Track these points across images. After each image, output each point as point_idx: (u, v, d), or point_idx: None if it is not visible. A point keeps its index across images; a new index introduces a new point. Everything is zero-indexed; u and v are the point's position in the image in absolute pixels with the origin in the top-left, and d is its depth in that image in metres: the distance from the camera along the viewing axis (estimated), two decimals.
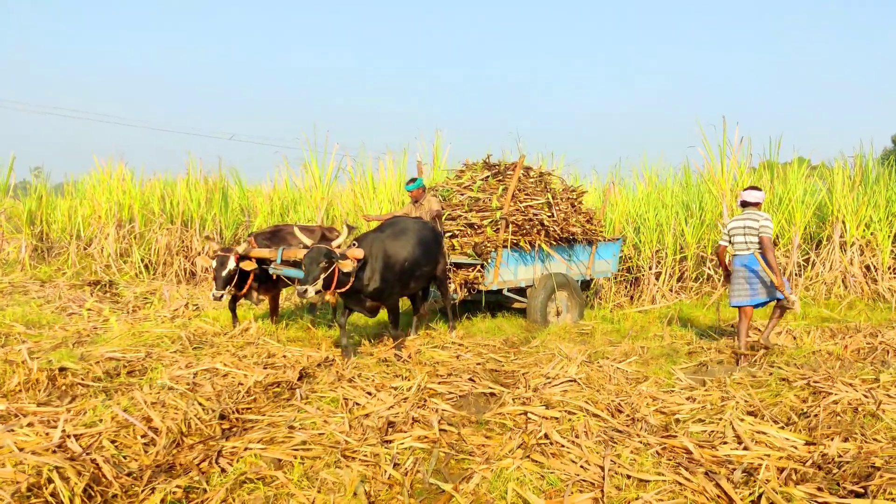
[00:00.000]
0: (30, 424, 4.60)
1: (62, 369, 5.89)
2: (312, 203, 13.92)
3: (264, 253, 7.82)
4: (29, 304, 9.91)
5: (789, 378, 6.32)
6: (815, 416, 5.33)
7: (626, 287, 13.17)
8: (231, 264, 7.78)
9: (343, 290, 6.84)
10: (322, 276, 6.48)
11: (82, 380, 5.80)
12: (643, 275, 12.88)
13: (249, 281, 8.06)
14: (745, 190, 7.81)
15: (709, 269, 12.62)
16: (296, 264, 7.35)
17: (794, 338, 8.55)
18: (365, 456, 4.54)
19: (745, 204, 7.73)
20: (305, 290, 6.36)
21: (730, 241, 7.81)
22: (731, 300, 7.83)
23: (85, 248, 14.80)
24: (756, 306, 7.84)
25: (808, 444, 4.90)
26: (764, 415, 5.46)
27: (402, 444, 4.78)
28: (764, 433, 5.03)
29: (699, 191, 13.81)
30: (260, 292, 8.50)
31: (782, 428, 5.21)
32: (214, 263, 7.84)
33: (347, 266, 6.61)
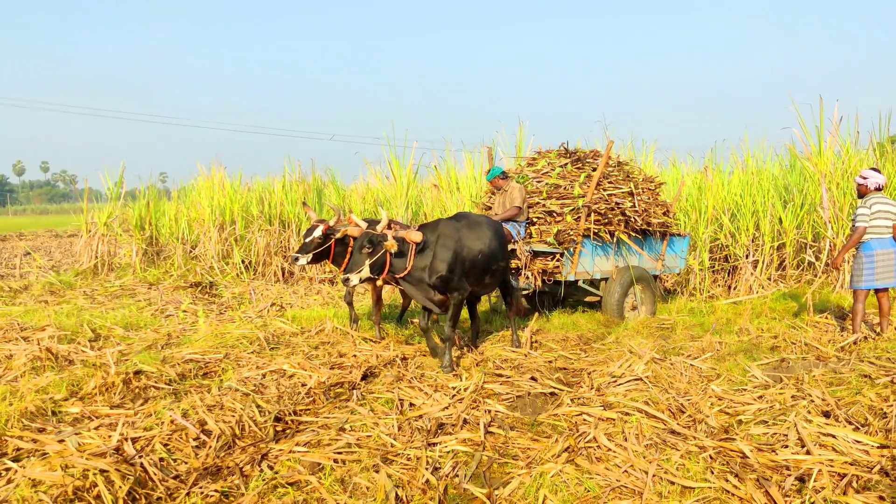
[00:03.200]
0: (97, 428, 4.90)
1: (138, 372, 6.22)
2: (398, 201, 14.11)
3: (354, 231, 7.91)
4: (132, 307, 10.53)
5: (871, 375, 5.92)
6: (894, 416, 4.99)
7: (722, 276, 12.68)
8: (317, 233, 7.93)
9: (400, 275, 6.78)
10: (367, 262, 6.47)
11: (155, 382, 6.11)
12: (740, 263, 12.34)
13: (338, 256, 8.05)
14: (878, 172, 7.77)
15: (809, 255, 11.96)
16: None
17: None
18: (407, 459, 4.59)
19: (880, 188, 7.74)
20: (348, 279, 6.39)
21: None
22: (864, 282, 7.71)
23: (190, 251, 15.59)
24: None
25: (881, 447, 4.59)
26: (838, 415, 5.15)
27: (446, 447, 4.79)
28: (832, 436, 4.74)
29: (801, 175, 13.09)
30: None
31: (856, 429, 4.89)
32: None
33: (392, 247, 6.54)
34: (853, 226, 7.73)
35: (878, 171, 7.77)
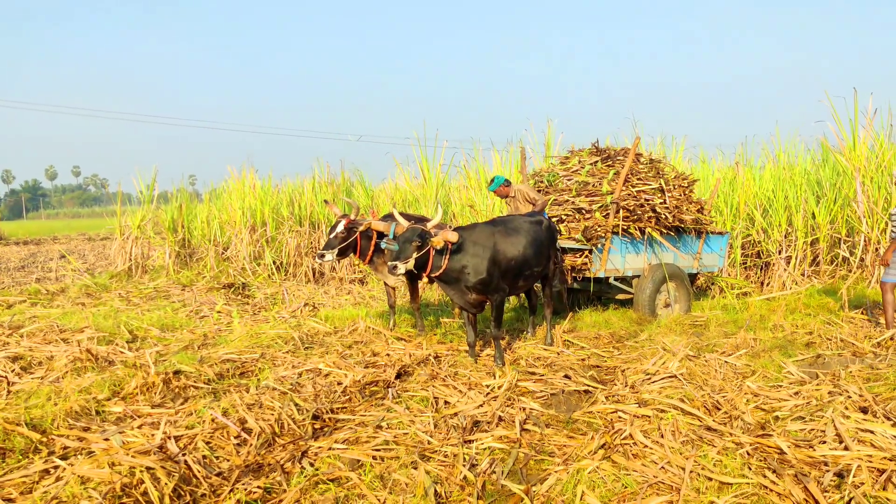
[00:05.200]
0: (140, 426, 5.00)
1: (177, 372, 6.34)
2: (427, 201, 14.17)
3: (380, 226, 7.91)
4: (166, 309, 10.69)
5: None
6: None
7: (755, 272, 12.58)
8: (340, 227, 8.00)
9: (436, 274, 6.82)
10: (414, 254, 6.51)
11: (195, 382, 6.21)
12: (772, 259, 12.23)
13: (365, 252, 8.19)
14: None
15: (843, 251, 11.82)
16: None
17: None
18: (444, 456, 4.63)
19: None
20: (395, 266, 6.40)
21: None
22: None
23: (222, 253, 15.77)
24: None
25: None
26: (876, 411, 5.11)
27: (483, 444, 4.82)
28: (871, 431, 4.71)
29: (834, 169, 12.94)
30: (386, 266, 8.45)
31: (894, 425, 4.85)
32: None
33: (438, 243, 6.60)
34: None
35: None
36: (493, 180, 9.16)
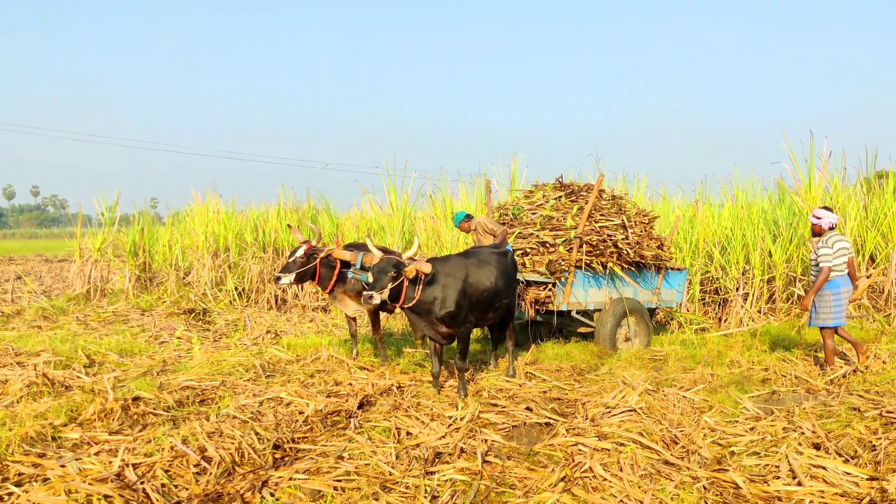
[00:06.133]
0: (97, 453, 4.93)
1: (135, 398, 6.25)
2: (393, 230, 14.22)
3: (345, 255, 7.88)
4: (125, 333, 10.54)
5: (861, 407, 6.03)
6: (883, 449, 5.08)
7: (714, 308, 12.81)
8: (299, 252, 7.96)
9: (409, 305, 6.82)
10: (389, 285, 6.52)
11: (153, 409, 6.14)
12: (730, 296, 12.47)
13: (325, 279, 8.15)
14: (831, 211, 7.92)
15: (798, 289, 12.10)
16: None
17: (884, 362, 8.09)
18: (406, 488, 4.64)
19: (833, 227, 7.87)
20: (371, 297, 6.39)
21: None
22: (835, 320, 7.80)
23: (184, 278, 15.59)
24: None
25: (871, 479, 4.67)
26: (828, 447, 5.24)
27: (444, 475, 4.84)
28: (822, 468, 4.83)
29: (790, 209, 13.29)
30: (347, 296, 8.36)
31: (846, 462, 4.98)
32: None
33: (410, 273, 6.61)
34: (816, 265, 7.80)
35: (831, 210, 7.91)
36: (455, 216, 9.31)
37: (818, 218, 7.88)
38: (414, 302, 6.79)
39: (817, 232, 7.91)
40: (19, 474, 4.48)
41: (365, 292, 6.50)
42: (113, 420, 5.83)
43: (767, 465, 4.96)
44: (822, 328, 7.89)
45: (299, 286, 14.16)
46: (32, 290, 16.41)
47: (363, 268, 7.44)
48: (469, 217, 9.28)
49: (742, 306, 12.21)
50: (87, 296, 15.18)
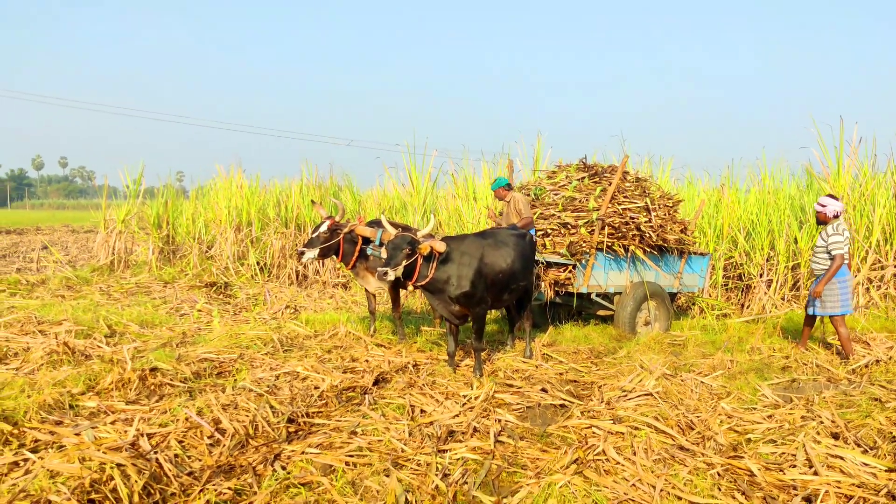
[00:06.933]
0: (113, 422, 4.98)
1: (153, 369, 6.30)
2: (414, 208, 14.19)
3: (366, 231, 7.91)
4: (147, 305, 10.64)
5: (882, 398, 5.93)
6: None
7: (736, 294, 12.67)
8: (323, 228, 8.00)
9: (422, 283, 6.81)
10: (404, 262, 6.51)
11: (171, 380, 6.19)
12: (754, 282, 12.32)
13: (347, 255, 8.18)
14: (836, 199, 7.92)
15: None
16: None
17: None
18: (417, 465, 4.64)
19: (838, 215, 7.88)
20: (386, 273, 6.38)
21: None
22: (843, 308, 7.85)
23: (206, 251, 15.71)
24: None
25: (889, 470, 4.59)
26: (847, 437, 5.16)
27: (456, 454, 4.83)
28: (840, 458, 4.76)
29: (818, 195, 13.06)
30: (369, 272, 8.41)
31: (864, 452, 4.91)
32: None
33: (425, 249, 6.59)
34: (826, 253, 7.84)
35: (836, 198, 7.90)
36: (496, 180, 9.20)
37: (823, 206, 7.90)
38: (427, 280, 6.76)
39: (822, 220, 7.95)
40: (35, 441, 4.54)
41: (379, 268, 6.48)
42: (130, 390, 5.88)
43: (784, 453, 4.89)
44: (832, 317, 7.88)
45: (321, 262, 14.23)
46: (58, 259, 16.60)
47: (382, 244, 7.43)
48: (509, 187, 9.20)
49: (766, 293, 12.07)
50: (110, 267, 15.36)
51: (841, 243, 7.69)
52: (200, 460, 4.50)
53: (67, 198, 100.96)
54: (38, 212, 62.30)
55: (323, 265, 14.64)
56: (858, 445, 5.04)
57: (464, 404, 5.91)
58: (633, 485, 4.36)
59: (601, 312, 9.84)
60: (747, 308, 12.09)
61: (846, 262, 7.78)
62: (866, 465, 4.66)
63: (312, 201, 9.99)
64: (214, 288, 12.98)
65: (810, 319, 8.28)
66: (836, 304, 7.79)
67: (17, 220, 38.87)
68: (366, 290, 8.81)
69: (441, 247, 6.67)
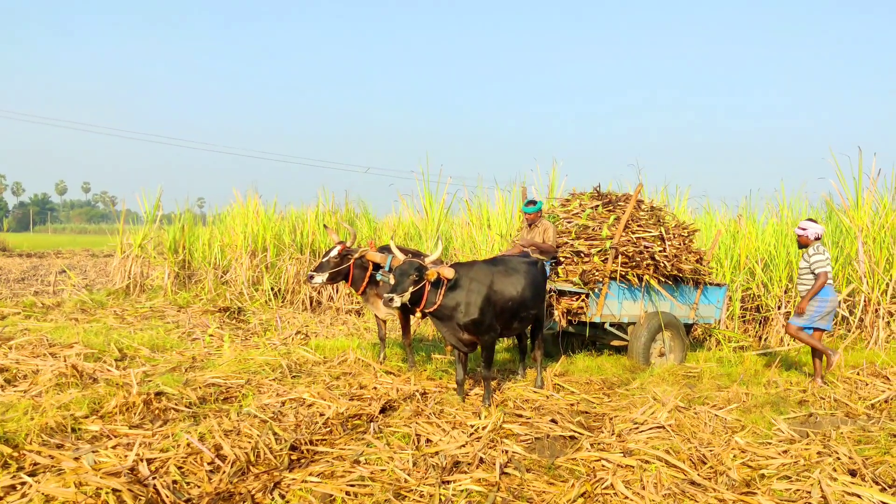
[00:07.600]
0: (115, 447, 4.93)
1: (159, 393, 6.26)
2: (428, 235, 14.17)
3: (375, 256, 7.89)
4: (160, 329, 10.64)
5: None
6: None
7: (754, 326, 12.48)
8: (333, 252, 7.98)
9: (430, 310, 6.73)
10: (411, 288, 6.43)
11: (175, 405, 6.14)
12: (772, 314, 12.14)
13: (357, 280, 8.15)
14: (815, 223, 8.26)
15: (843, 310, 11.72)
16: None
17: None
18: (420, 496, 4.54)
19: (819, 238, 8.22)
20: (392, 299, 6.30)
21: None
22: (810, 322, 8.23)
23: (222, 276, 15.74)
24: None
25: None
26: (865, 474, 5.01)
27: (460, 485, 4.73)
28: (857, 496, 4.61)
29: (837, 227, 12.91)
30: (379, 298, 8.28)
31: (882, 490, 4.75)
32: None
33: (432, 275, 6.52)
34: (810, 273, 8.12)
35: (816, 222, 8.23)
36: (534, 203, 9.13)
37: (804, 229, 8.22)
38: (435, 307, 6.68)
39: (803, 243, 8.27)
40: (34, 464, 4.49)
41: (385, 294, 6.42)
42: (134, 414, 5.84)
43: (798, 489, 4.75)
44: (798, 329, 8.24)
45: (333, 286, 14.21)
46: (75, 283, 16.70)
47: (391, 270, 7.38)
48: (541, 214, 9.19)
49: (783, 325, 11.86)
50: (126, 290, 15.43)
51: (823, 262, 7.99)
52: (199, 487, 4.43)
53: (89, 222, 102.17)
54: (59, 236, 63.03)
55: (337, 291, 14.61)
56: (877, 483, 4.89)
57: (471, 434, 5.81)
58: None
59: (615, 343, 9.70)
60: (765, 340, 11.89)
61: (830, 281, 8.08)
62: (884, 503, 4.51)
63: (325, 226, 9.99)
64: (228, 313, 12.97)
65: (817, 352, 8.31)
66: (806, 318, 8.15)
67: (38, 243, 39.30)
68: (376, 317, 8.76)
69: (449, 273, 6.60)
